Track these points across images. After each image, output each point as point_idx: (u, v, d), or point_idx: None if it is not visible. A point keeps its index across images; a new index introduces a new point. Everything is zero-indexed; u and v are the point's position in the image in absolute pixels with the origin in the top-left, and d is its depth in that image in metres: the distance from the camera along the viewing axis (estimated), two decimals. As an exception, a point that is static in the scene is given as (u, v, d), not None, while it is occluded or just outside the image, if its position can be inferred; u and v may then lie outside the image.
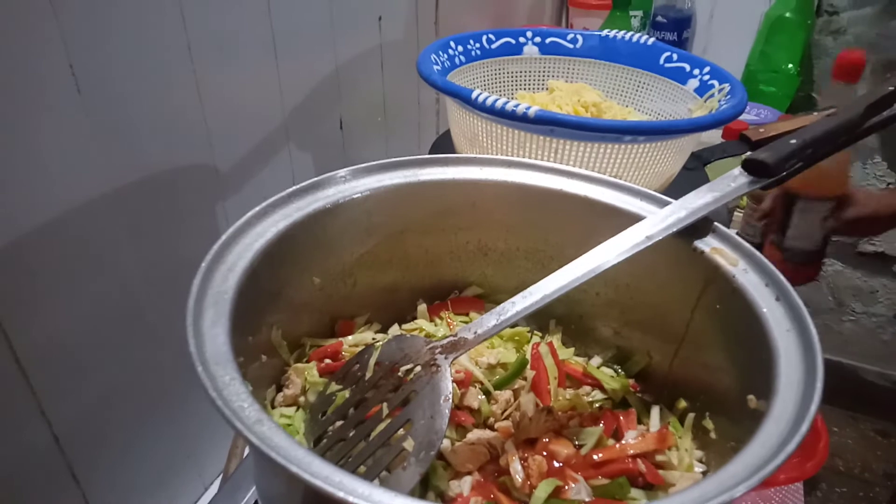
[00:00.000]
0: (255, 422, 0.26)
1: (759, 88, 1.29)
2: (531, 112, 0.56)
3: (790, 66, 1.30)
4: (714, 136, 0.94)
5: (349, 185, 0.45)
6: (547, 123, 0.56)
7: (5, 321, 0.43)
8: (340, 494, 0.24)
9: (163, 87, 0.51)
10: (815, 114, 0.83)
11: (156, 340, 0.57)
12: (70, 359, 0.50)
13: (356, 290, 0.49)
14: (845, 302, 1.51)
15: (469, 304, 0.54)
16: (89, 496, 0.54)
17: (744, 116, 1.07)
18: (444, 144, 0.78)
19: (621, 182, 0.48)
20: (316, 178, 0.44)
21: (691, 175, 0.75)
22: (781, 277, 0.38)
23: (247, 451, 0.61)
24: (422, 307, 0.52)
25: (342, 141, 0.77)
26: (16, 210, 0.43)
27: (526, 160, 0.50)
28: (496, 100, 0.57)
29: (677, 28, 1.33)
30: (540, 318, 0.54)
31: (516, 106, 0.56)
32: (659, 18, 1.32)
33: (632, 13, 1.25)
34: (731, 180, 0.43)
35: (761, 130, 0.79)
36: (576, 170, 0.49)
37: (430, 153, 0.79)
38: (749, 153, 0.45)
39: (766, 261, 0.39)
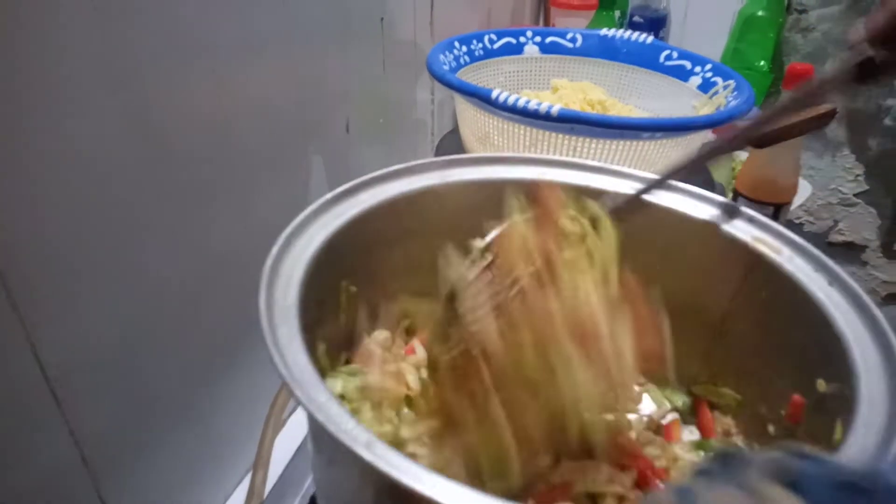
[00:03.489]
0: (367, 444, 0.26)
1: (741, 87, 1.33)
2: (554, 111, 0.56)
3: (762, 62, 1.35)
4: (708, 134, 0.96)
5: (381, 189, 0.45)
6: (570, 121, 0.57)
7: (31, 332, 0.42)
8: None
9: (186, 84, 0.50)
10: (809, 109, 0.87)
11: (184, 345, 0.55)
12: (97, 370, 0.48)
13: (390, 296, 0.49)
14: (817, 290, 1.57)
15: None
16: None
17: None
18: (449, 145, 0.78)
19: (654, 176, 0.48)
20: (349, 184, 0.43)
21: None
22: (830, 262, 0.39)
23: (278, 463, 0.60)
24: None
25: (348, 143, 0.76)
26: (41, 208, 0.41)
27: (552, 157, 0.50)
28: (517, 99, 0.58)
29: (653, 27, 1.35)
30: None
31: (539, 105, 0.57)
32: (636, 18, 1.35)
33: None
34: None
35: (756, 125, 0.82)
36: (603, 165, 0.49)
37: (435, 155, 0.79)
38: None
39: (811, 247, 0.40)
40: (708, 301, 0.45)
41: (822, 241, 1.51)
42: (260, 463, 0.60)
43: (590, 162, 0.49)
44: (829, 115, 0.84)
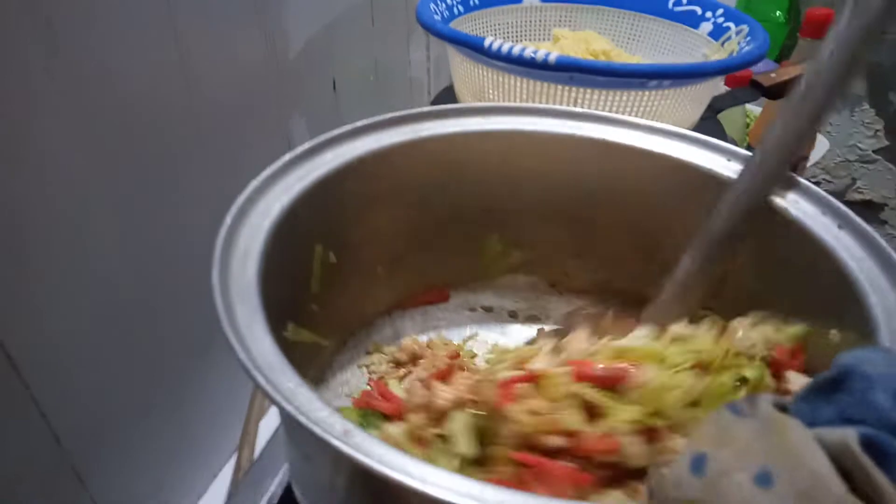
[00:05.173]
0: (344, 433, 0.22)
1: (747, 39, 1.27)
2: (551, 58, 0.52)
3: (778, 13, 1.28)
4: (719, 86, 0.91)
5: (347, 148, 0.40)
6: (568, 69, 0.52)
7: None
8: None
9: (142, 41, 0.46)
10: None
11: (158, 328, 0.52)
12: (66, 354, 0.45)
13: (369, 265, 0.45)
14: (833, 251, 1.52)
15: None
16: (95, 495, 0.50)
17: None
18: (444, 102, 0.74)
19: (645, 122, 0.43)
20: (310, 143, 0.39)
21: (706, 124, 0.72)
22: (839, 204, 0.35)
23: (262, 440, 0.58)
24: None
25: (336, 103, 0.72)
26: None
27: (532, 105, 0.45)
28: (511, 47, 0.53)
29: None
30: (559, 277, 0.50)
31: (535, 53, 0.52)
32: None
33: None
34: None
35: (773, 76, 0.76)
36: (591, 111, 0.44)
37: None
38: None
39: (818, 189, 0.37)
40: None
41: (839, 199, 1.46)
42: (245, 442, 0.57)
43: (582, 110, 0.44)
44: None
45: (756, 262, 0.38)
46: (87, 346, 0.47)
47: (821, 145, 1.00)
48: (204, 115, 0.53)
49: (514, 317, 0.51)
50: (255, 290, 0.29)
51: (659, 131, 0.42)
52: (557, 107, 0.44)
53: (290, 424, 0.31)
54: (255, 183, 0.34)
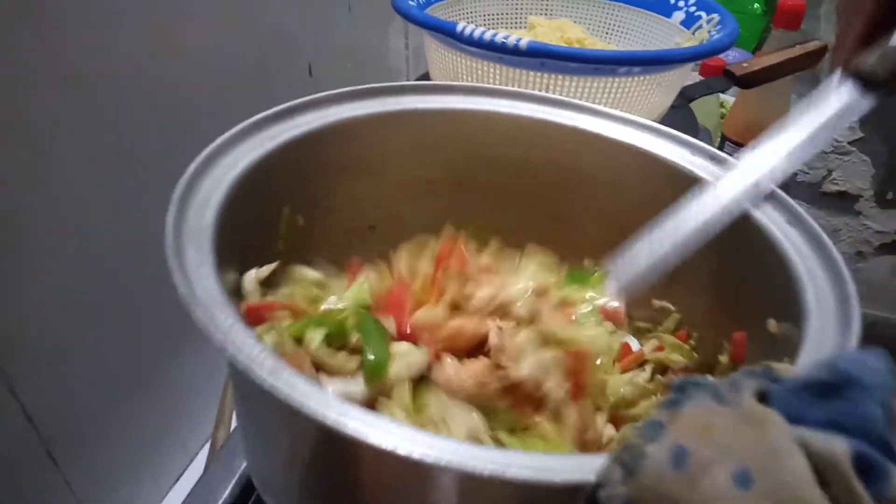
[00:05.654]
0: (272, 370, 0.23)
1: (725, 29, 1.28)
2: (522, 44, 0.52)
3: (756, 5, 1.29)
4: (693, 75, 0.92)
5: (325, 112, 0.40)
6: (539, 55, 0.53)
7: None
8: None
9: (113, 29, 0.46)
10: (798, 46, 0.83)
11: (132, 310, 0.53)
12: (39, 335, 0.45)
13: (339, 232, 0.45)
14: (809, 242, 1.54)
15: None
16: (71, 480, 0.50)
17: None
18: (420, 89, 0.74)
19: (614, 112, 0.44)
20: (286, 105, 0.39)
21: (678, 113, 0.73)
22: (792, 202, 0.36)
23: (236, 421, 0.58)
24: None
25: (313, 89, 0.72)
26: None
27: (510, 89, 0.46)
28: (483, 32, 0.54)
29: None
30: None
31: (506, 38, 0.53)
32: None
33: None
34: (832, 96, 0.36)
35: (745, 65, 0.77)
36: (563, 98, 0.45)
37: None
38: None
39: (775, 186, 0.38)
40: None
41: (815, 190, 1.48)
42: (221, 422, 0.58)
43: (558, 97, 0.45)
44: (820, 53, 0.80)
45: (709, 253, 0.39)
46: (60, 328, 0.47)
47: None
48: (181, 99, 0.54)
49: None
50: (210, 236, 0.29)
51: (630, 122, 0.43)
52: (534, 92, 0.44)
53: (228, 361, 0.31)
54: (223, 137, 0.34)
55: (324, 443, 0.26)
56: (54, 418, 0.48)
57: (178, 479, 0.62)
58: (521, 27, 0.77)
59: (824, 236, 0.34)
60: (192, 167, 0.32)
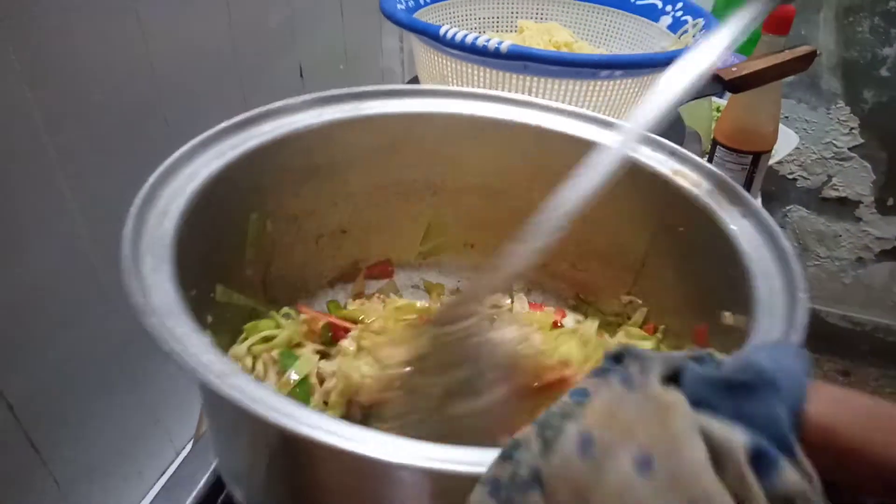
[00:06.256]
0: (220, 374, 0.24)
1: (725, 34, 1.28)
2: (503, 47, 0.53)
3: (755, 10, 1.29)
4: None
5: (287, 121, 0.41)
6: (520, 59, 0.54)
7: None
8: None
9: (102, 22, 0.47)
10: (787, 51, 0.83)
11: (110, 302, 0.54)
12: (19, 324, 0.46)
13: (310, 237, 0.46)
14: (809, 247, 1.54)
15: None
16: (53, 467, 0.51)
17: (712, 61, 1.06)
18: (410, 91, 0.75)
19: (576, 109, 0.45)
20: (249, 113, 0.40)
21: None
22: (747, 194, 0.37)
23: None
24: None
25: (303, 90, 0.73)
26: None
27: (472, 90, 0.47)
28: (466, 35, 0.54)
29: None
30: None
31: (487, 41, 0.54)
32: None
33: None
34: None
35: (734, 69, 0.78)
36: (526, 98, 0.46)
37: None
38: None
39: (730, 180, 0.39)
40: (631, 242, 0.44)
41: (815, 196, 1.48)
42: (204, 416, 0.58)
43: (519, 96, 0.46)
44: (809, 58, 0.80)
45: (671, 247, 0.40)
46: (42, 318, 0.48)
47: (789, 139, 1.01)
48: (167, 99, 0.55)
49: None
50: (168, 245, 0.30)
51: (591, 119, 0.44)
52: (495, 92, 0.45)
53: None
54: (183, 148, 0.35)
55: (275, 441, 0.27)
56: (37, 408, 0.48)
57: (163, 473, 0.63)
58: (512, 31, 0.78)
59: (777, 228, 0.34)
60: (150, 179, 0.33)
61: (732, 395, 0.16)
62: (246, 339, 0.39)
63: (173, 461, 0.65)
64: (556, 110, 0.44)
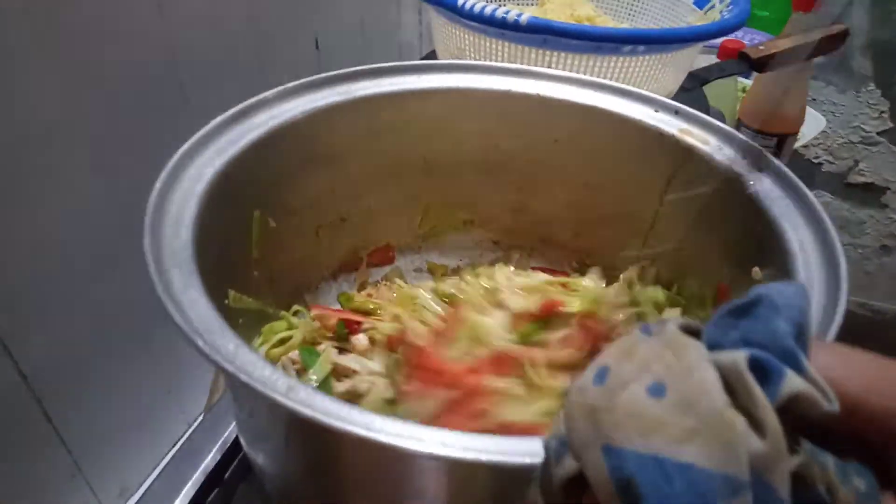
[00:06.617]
0: (287, 389, 0.23)
1: (753, 13, 1.24)
2: (523, 19, 0.52)
3: (786, -12, 1.26)
4: (709, 59, 0.90)
5: (279, 109, 0.39)
6: (540, 32, 0.52)
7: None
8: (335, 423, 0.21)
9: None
10: (818, 30, 0.80)
11: (126, 276, 0.54)
12: (34, 290, 0.46)
13: (310, 229, 0.45)
14: (832, 234, 1.51)
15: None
16: (66, 436, 0.51)
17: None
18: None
19: (578, 76, 0.44)
20: (241, 106, 0.38)
21: (689, 96, 0.72)
22: (760, 148, 0.37)
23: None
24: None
25: (319, 62, 0.72)
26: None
27: (464, 62, 0.45)
28: (484, 6, 0.53)
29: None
30: (501, 234, 0.51)
31: (507, 13, 0.52)
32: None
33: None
34: None
35: (761, 48, 0.75)
36: (524, 67, 0.45)
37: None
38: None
39: (739, 134, 0.38)
40: (639, 205, 0.43)
41: (840, 181, 1.44)
42: (216, 387, 0.59)
43: (516, 66, 0.44)
44: (841, 38, 0.77)
45: (684, 208, 0.39)
46: (56, 285, 0.48)
47: (816, 121, 0.99)
48: (184, 69, 0.54)
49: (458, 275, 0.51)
50: (190, 255, 0.29)
51: (594, 85, 0.43)
52: (492, 63, 0.44)
53: (235, 384, 0.31)
54: (184, 147, 0.34)
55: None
56: (50, 378, 0.49)
57: (174, 445, 0.64)
58: (533, 4, 0.76)
59: (796, 179, 0.34)
60: (157, 185, 0.31)
61: (736, 321, 0.17)
62: (263, 343, 0.39)
63: (185, 433, 0.65)
64: (556, 77, 0.43)
